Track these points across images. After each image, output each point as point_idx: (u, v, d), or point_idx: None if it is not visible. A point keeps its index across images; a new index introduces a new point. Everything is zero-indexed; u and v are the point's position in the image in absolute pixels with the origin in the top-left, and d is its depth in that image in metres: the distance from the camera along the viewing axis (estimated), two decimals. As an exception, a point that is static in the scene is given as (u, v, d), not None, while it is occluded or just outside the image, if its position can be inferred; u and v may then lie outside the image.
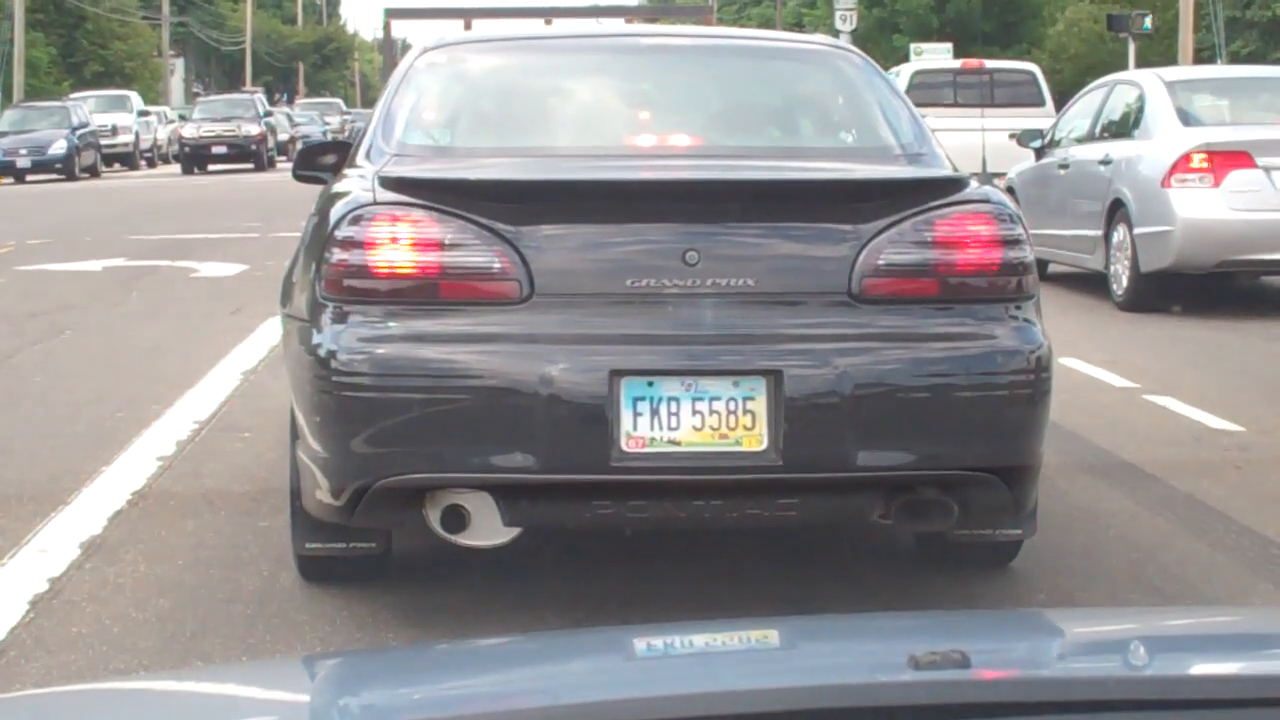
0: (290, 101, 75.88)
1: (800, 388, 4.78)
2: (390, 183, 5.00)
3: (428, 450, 4.79)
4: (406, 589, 5.50)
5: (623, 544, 5.85)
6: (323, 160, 6.33)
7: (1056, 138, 15.21)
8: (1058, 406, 5.27)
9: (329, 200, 5.22)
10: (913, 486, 4.91)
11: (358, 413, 4.81)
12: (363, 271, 4.86)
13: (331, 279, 4.90)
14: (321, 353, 4.86)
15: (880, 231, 4.96)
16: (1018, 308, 5.04)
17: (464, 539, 4.90)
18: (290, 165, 6.82)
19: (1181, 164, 12.71)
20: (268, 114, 47.97)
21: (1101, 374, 9.85)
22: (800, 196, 5.17)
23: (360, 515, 4.89)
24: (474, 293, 4.86)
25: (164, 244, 18.60)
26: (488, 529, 4.87)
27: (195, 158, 43.97)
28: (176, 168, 45.25)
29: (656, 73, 6.29)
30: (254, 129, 44.47)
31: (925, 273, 4.97)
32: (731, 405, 4.79)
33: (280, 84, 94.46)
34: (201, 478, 7.05)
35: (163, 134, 50.81)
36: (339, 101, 74.85)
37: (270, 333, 10.45)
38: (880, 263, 4.94)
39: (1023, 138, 15.83)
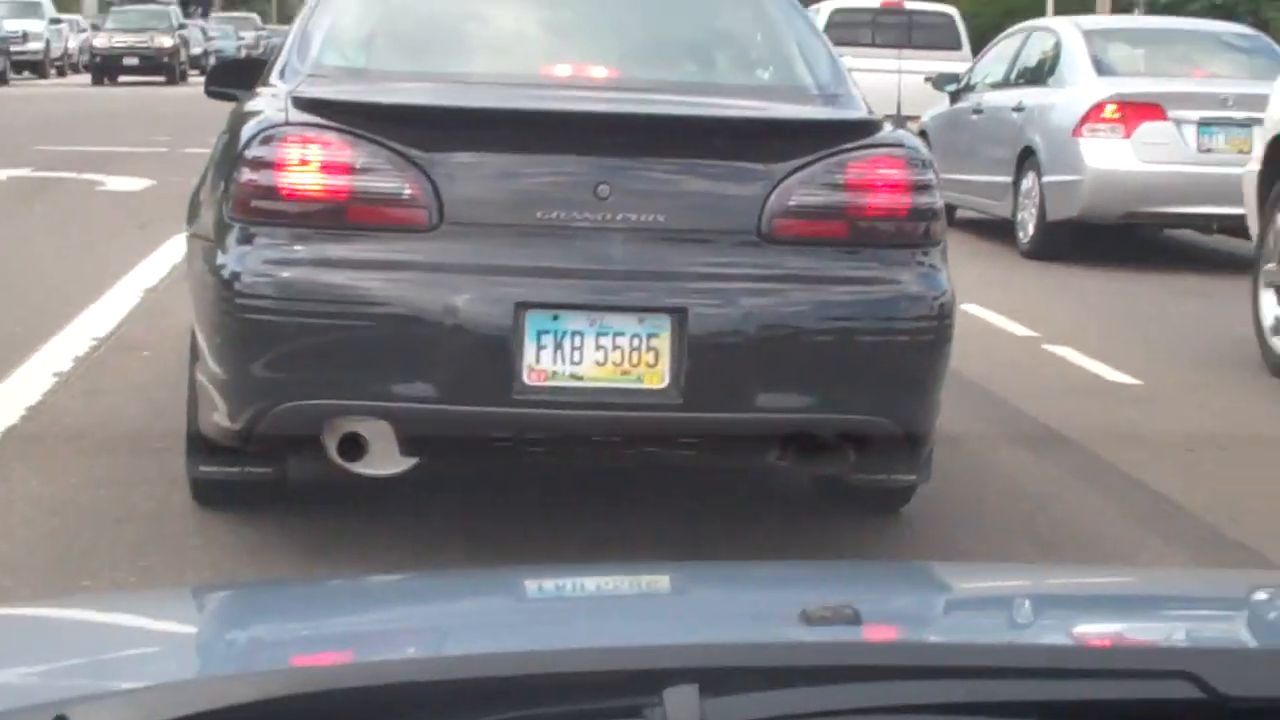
0: (205, 15, 74.79)
1: (704, 326, 4.78)
2: (303, 103, 4.95)
3: (328, 376, 4.76)
4: (301, 517, 5.43)
5: (522, 482, 5.83)
6: (236, 77, 6.25)
7: (972, 83, 15.25)
8: (957, 354, 5.26)
9: (240, 119, 5.15)
10: (810, 429, 4.93)
11: (259, 336, 4.79)
12: (271, 193, 4.81)
13: (240, 199, 4.85)
14: (225, 274, 4.81)
15: (792, 172, 4.93)
16: (924, 254, 5.04)
17: (361, 467, 4.86)
18: (203, 80, 6.73)
19: (1093, 114, 12.78)
20: (182, 27, 47.35)
21: (1003, 322, 9.89)
22: (714, 134, 5.12)
23: (257, 439, 4.86)
24: (383, 219, 4.82)
25: (71, 155, 18.31)
26: (385, 458, 4.85)
27: (106, 68, 43.23)
28: (87, 78, 44.37)
29: (576, 2, 6.25)
30: (167, 41, 43.85)
31: (835, 215, 4.96)
32: (635, 342, 4.78)
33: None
34: (98, 395, 6.94)
35: (74, 43, 49.95)
36: (255, 17, 73.89)
37: (175, 250, 10.15)
38: (791, 203, 4.93)
39: (938, 82, 15.88)
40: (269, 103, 5.13)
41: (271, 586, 3.33)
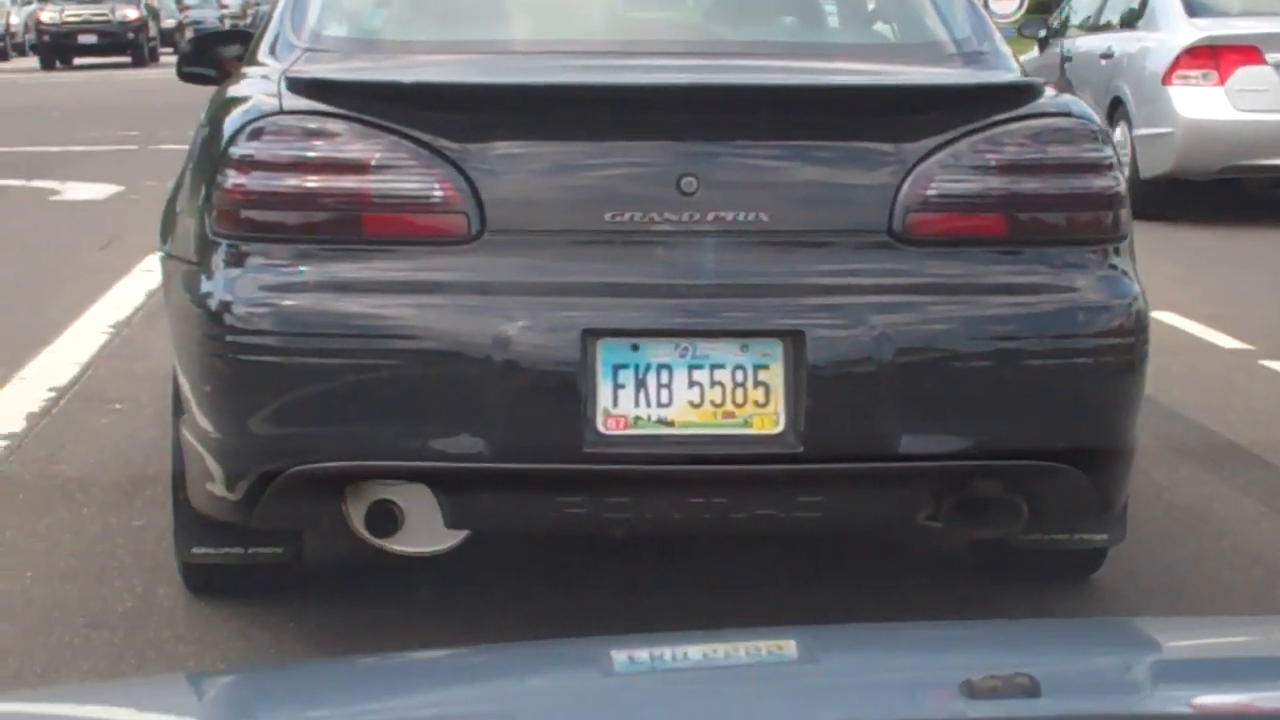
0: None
1: (827, 353, 4.54)
2: (301, 85, 4.73)
3: (349, 431, 4.58)
4: (320, 608, 5.23)
5: (603, 549, 5.51)
6: (217, 54, 6.10)
7: (1063, 26, 15.88)
8: (1151, 374, 4.94)
9: (223, 107, 4.94)
10: (970, 480, 4.64)
11: (260, 382, 4.61)
12: (266, 200, 4.63)
13: (225, 210, 4.65)
14: (213, 305, 4.63)
15: (930, 153, 4.67)
16: (1106, 251, 4.77)
17: (395, 544, 4.65)
18: (176, 60, 6.62)
19: (1184, 59, 13.04)
20: (150, -7, 47.38)
21: (1202, 330, 9.37)
22: (828, 107, 4.87)
23: (262, 512, 4.65)
24: (409, 228, 4.64)
25: (16, 158, 18.15)
26: (426, 532, 4.64)
27: (57, 48, 43.52)
28: (34, 60, 44.71)
29: None
30: (131, 13, 43.98)
31: (988, 206, 4.71)
32: (739, 375, 4.55)
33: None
34: (59, 463, 6.68)
35: (16, 19, 50.10)
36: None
37: (150, 274, 9.91)
38: (930, 193, 4.67)
39: (1024, 27, 16.61)
40: (258, 86, 4.95)
41: (287, 670, 3.21)
